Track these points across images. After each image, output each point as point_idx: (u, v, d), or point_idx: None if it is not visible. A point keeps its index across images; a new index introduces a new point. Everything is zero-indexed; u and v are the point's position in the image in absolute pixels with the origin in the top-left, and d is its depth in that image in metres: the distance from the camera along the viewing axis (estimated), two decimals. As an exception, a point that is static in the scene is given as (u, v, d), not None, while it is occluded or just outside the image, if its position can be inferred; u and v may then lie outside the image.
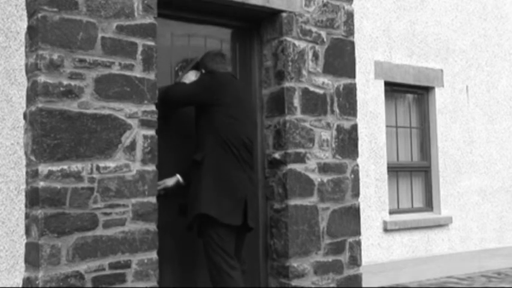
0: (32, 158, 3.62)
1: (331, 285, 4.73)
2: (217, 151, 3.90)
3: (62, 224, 3.58)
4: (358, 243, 4.94)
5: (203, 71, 4.22)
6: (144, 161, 3.92)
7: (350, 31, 5.05)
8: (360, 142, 5.56)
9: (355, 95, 5.04)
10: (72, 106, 3.67)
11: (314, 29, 4.82)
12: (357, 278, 4.91)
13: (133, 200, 3.86)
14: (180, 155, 4.35)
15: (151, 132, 3.97)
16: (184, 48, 4.57)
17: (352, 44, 5.07)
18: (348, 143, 4.95)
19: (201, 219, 3.91)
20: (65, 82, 3.65)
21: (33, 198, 3.59)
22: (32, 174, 3.62)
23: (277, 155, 4.65)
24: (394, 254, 6.10)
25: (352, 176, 4.96)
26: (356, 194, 4.98)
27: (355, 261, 4.90)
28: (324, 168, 4.78)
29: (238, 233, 3.99)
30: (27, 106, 3.75)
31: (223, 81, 4.03)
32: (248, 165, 4.03)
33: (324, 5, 4.91)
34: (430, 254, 6.39)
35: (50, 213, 3.54)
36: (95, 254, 3.69)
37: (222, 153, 3.89)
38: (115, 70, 3.85)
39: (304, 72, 4.73)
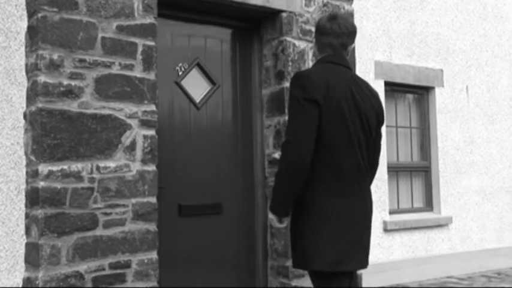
0: (32, 158, 3.62)
1: (331, 285, 4.72)
2: (321, 178, 2.80)
3: (62, 224, 3.58)
4: (358, 243, 4.93)
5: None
6: (144, 161, 3.92)
7: (350, 31, 5.05)
8: (360, 142, 5.53)
9: (355, 95, 5.04)
10: (72, 106, 3.67)
11: (314, 29, 4.82)
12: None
13: (134, 200, 3.86)
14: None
15: (152, 132, 3.97)
16: (184, 48, 4.57)
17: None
18: (348, 143, 4.95)
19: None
20: (65, 82, 3.65)
21: (33, 198, 3.59)
22: (32, 174, 3.62)
23: (277, 155, 4.65)
24: (394, 254, 6.10)
25: (352, 176, 4.95)
26: (356, 194, 4.97)
27: (355, 261, 4.89)
28: (324, 168, 4.77)
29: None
30: (27, 106, 3.75)
31: (321, 82, 2.80)
32: (363, 174, 2.88)
33: (324, 5, 4.91)
34: (430, 254, 6.39)
35: (50, 213, 3.54)
36: (95, 254, 3.69)
37: (322, 182, 2.79)
38: (115, 70, 3.85)
39: (304, 72, 4.73)
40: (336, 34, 2.92)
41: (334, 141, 2.77)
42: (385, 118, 3.13)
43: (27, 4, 3.78)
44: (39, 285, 3.48)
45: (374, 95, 2.98)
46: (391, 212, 6.20)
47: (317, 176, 2.78)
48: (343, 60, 2.95)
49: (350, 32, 2.95)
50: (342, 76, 2.86)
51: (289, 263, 4.52)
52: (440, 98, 6.63)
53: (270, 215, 2.88)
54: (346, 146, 2.79)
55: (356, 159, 2.83)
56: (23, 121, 3.79)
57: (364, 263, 2.90)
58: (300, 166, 2.70)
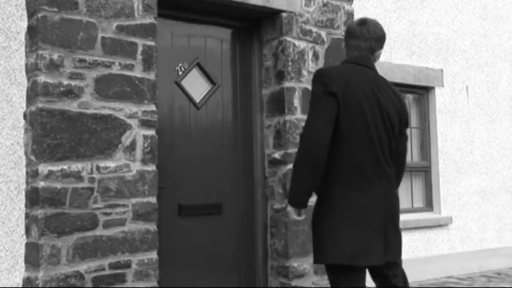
0: (32, 158, 3.62)
1: (331, 285, 4.72)
2: (338, 173, 2.80)
3: (62, 224, 3.58)
4: (358, 243, 4.93)
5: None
6: (144, 161, 3.92)
7: (350, 31, 5.05)
8: (360, 142, 5.53)
9: (355, 95, 5.03)
10: (72, 106, 3.67)
11: (314, 29, 4.82)
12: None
13: (133, 200, 3.86)
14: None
15: (152, 132, 3.97)
16: (184, 48, 4.57)
17: (352, 44, 5.06)
18: (348, 143, 4.95)
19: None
20: (65, 82, 3.65)
21: (33, 198, 3.59)
22: (32, 174, 3.62)
23: (277, 155, 4.65)
24: (394, 254, 6.10)
25: (352, 176, 4.95)
26: (356, 194, 4.96)
27: (355, 261, 4.89)
28: (324, 168, 4.77)
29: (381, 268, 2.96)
30: (27, 106, 3.75)
31: (337, 77, 2.83)
32: (383, 169, 2.86)
33: (324, 5, 4.91)
34: (430, 254, 6.39)
35: (50, 213, 3.54)
36: (95, 254, 3.69)
37: (340, 176, 2.80)
38: (115, 70, 3.85)
39: (304, 72, 4.73)
40: (365, 38, 2.97)
41: (352, 136, 2.78)
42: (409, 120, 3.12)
43: (27, 4, 3.78)
44: (39, 285, 3.48)
45: (397, 94, 3.02)
46: (391, 212, 6.19)
47: (334, 170, 2.79)
48: (367, 62, 2.97)
49: (379, 37, 2.99)
50: (364, 75, 2.90)
51: (289, 263, 4.53)
52: (440, 98, 6.63)
53: (288, 208, 2.85)
54: (364, 142, 2.80)
55: (375, 154, 2.82)
56: (23, 121, 3.79)
57: (382, 259, 2.84)
58: (316, 155, 2.70)
